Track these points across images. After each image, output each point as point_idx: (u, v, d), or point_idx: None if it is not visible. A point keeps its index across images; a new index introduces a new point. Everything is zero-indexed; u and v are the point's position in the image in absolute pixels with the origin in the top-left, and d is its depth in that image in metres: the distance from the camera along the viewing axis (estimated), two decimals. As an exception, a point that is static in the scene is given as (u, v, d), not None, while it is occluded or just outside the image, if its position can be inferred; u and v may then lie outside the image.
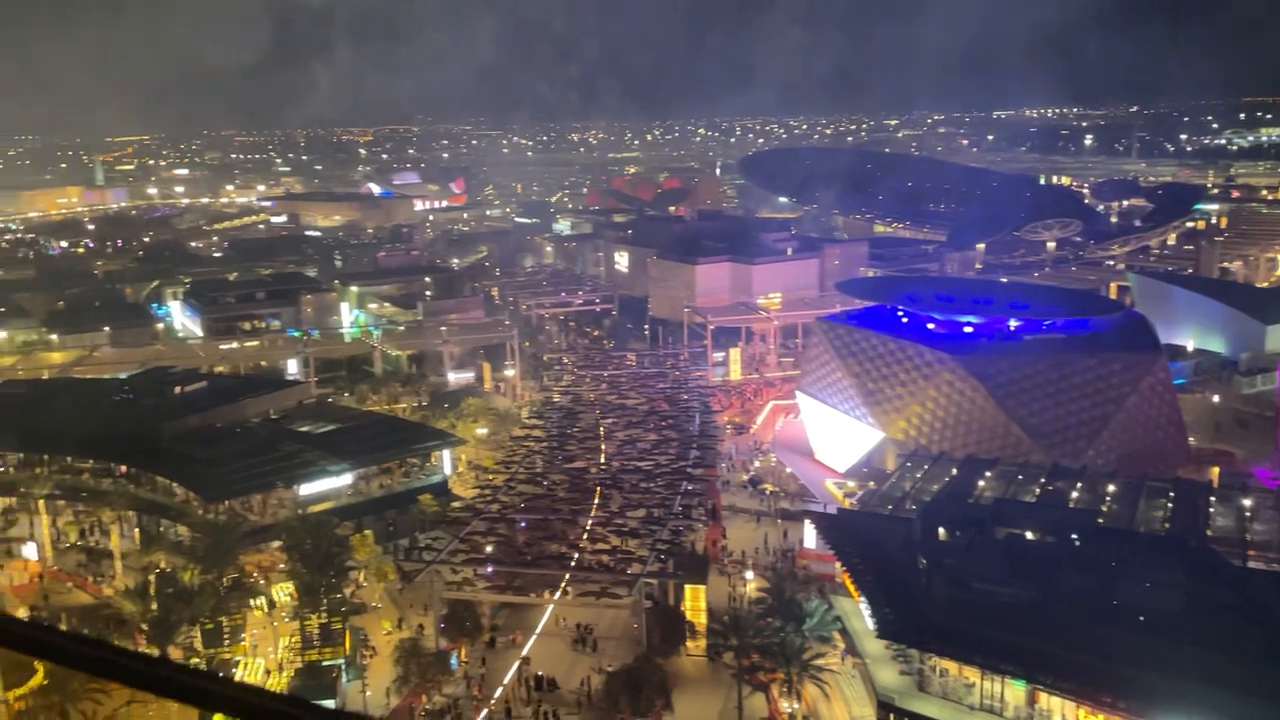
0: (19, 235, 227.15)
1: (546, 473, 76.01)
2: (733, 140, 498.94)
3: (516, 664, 53.63)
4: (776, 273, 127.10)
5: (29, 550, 68.46)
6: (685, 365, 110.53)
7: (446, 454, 79.25)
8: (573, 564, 58.75)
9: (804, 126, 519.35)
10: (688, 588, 56.41)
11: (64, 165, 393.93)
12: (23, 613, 57.43)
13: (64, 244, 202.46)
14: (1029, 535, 53.67)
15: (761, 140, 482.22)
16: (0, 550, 68.93)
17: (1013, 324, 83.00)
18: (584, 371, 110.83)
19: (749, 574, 62.62)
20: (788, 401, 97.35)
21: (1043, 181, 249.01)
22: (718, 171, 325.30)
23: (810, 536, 63.38)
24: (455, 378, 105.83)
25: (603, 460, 78.62)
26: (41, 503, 71.38)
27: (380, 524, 69.16)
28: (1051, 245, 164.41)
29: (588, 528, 64.28)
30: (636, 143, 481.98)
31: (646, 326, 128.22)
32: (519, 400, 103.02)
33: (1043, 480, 66.77)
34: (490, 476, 77.13)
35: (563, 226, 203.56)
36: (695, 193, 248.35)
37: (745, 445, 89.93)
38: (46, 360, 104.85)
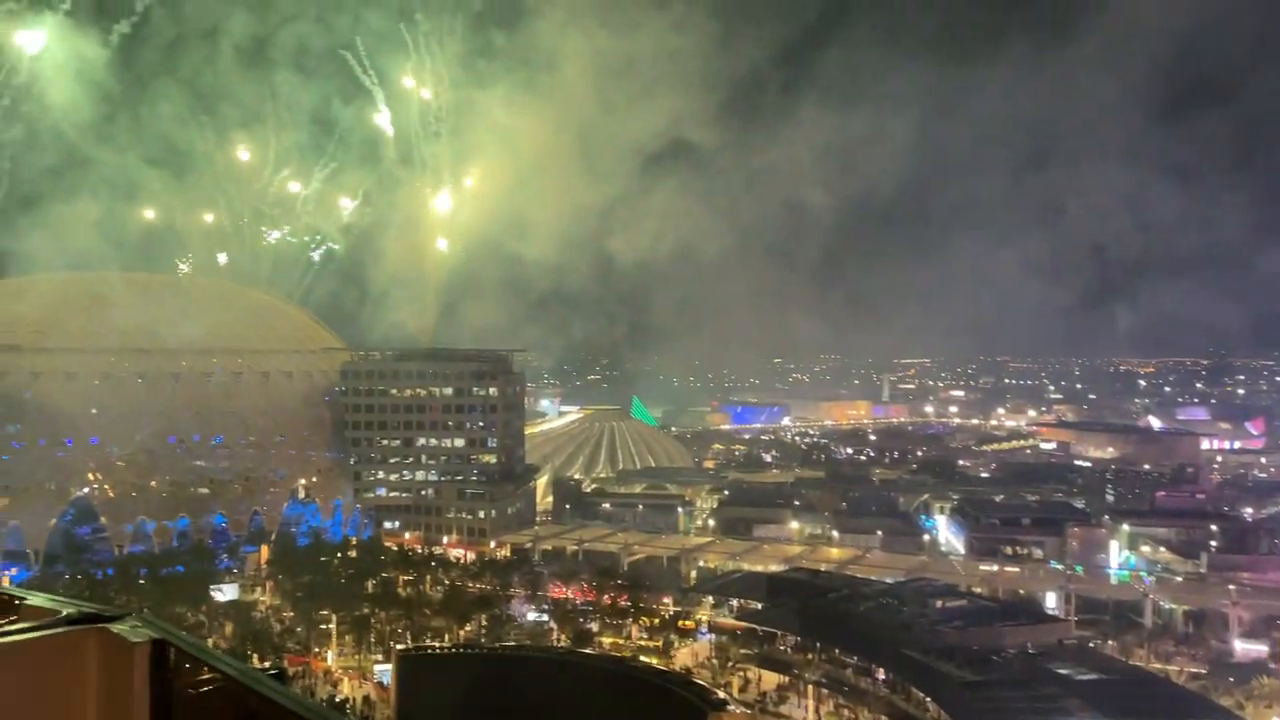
0: (815, 439, 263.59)
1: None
2: None
3: None
4: None
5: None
6: None
7: (1233, 740, 66.78)
8: None
9: None
10: None
11: (856, 381, 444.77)
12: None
13: (849, 450, 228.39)
14: None
15: None
16: (772, 723, 76.44)
17: None
18: None
19: None
20: None
21: None
22: None
23: None
24: (1243, 647, 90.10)
25: None
26: (811, 688, 77.88)
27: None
28: None
29: None
30: None
31: None
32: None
33: None
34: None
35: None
36: None
37: None
38: (826, 554, 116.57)
